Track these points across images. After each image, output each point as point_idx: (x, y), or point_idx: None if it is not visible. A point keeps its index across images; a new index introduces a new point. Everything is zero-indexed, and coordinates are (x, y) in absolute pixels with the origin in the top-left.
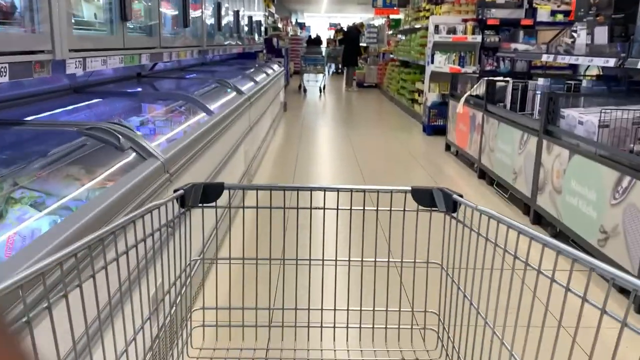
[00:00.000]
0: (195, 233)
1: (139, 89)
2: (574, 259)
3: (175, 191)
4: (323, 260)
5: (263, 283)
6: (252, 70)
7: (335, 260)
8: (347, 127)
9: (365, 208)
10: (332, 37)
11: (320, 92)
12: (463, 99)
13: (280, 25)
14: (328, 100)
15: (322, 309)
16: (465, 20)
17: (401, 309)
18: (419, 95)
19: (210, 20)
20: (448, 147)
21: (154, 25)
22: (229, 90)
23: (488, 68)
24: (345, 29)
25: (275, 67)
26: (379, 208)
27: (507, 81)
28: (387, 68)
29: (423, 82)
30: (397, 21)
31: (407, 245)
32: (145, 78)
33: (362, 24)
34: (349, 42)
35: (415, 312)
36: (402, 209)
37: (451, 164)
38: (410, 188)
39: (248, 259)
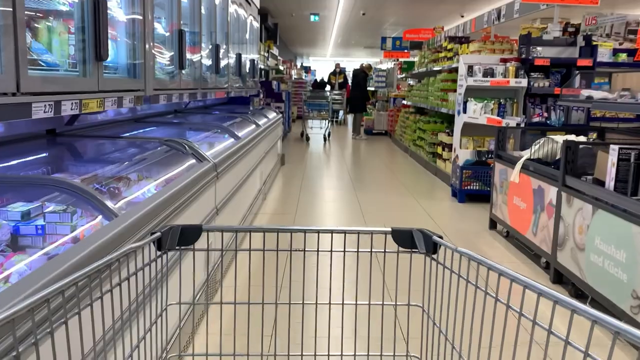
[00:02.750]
0: (185, 276)
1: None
2: (555, 300)
3: (152, 234)
4: (303, 303)
5: (243, 326)
6: (236, 120)
7: (316, 303)
8: (356, 188)
9: (347, 250)
10: (329, 80)
11: (325, 140)
12: (519, 166)
13: (282, 67)
14: (333, 151)
15: (302, 355)
16: (504, 61)
17: (383, 354)
18: (443, 150)
19: (165, 56)
20: (493, 224)
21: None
22: (182, 156)
23: (536, 119)
24: (340, 70)
25: (272, 114)
26: (359, 250)
27: (601, 143)
28: (399, 115)
29: (447, 134)
30: (410, 64)
31: (389, 287)
32: (61, 137)
33: (369, 66)
34: (356, 85)
35: (396, 356)
36: (383, 250)
37: (502, 251)
38: (390, 229)
39: (226, 303)
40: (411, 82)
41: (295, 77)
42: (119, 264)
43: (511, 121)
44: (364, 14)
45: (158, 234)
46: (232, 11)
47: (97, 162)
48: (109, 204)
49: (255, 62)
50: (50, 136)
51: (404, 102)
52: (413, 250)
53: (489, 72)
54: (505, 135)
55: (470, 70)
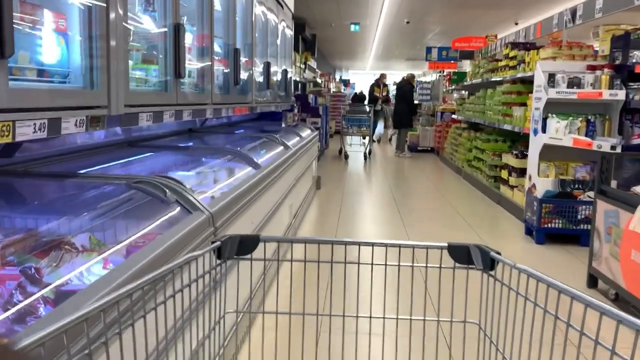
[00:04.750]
0: (233, 286)
1: None
2: (619, 320)
3: (212, 243)
4: (357, 316)
5: (297, 337)
6: (260, 142)
7: (370, 317)
8: (405, 221)
9: (401, 264)
10: (373, 92)
11: (366, 158)
12: None
13: (320, 80)
14: (375, 171)
15: None
16: (592, 68)
17: None
18: (509, 174)
19: (153, 60)
20: (593, 280)
21: None
22: (159, 207)
23: (636, 141)
24: (384, 83)
25: (307, 131)
26: (414, 264)
27: None
28: (448, 130)
29: (516, 156)
30: (461, 75)
31: (444, 303)
32: None
33: (412, 76)
34: (401, 98)
35: None
36: (439, 265)
37: (609, 326)
38: (446, 244)
39: (282, 313)
40: (455, 94)
41: (334, 90)
42: (182, 270)
43: (604, 143)
44: (408, 23)
45: (218, 243)
46: (259, 13)
47: (26, 219)
48: None
49: (289, 73)
50: None
51: (454, 116)
52: (470, 266)
53: (575, 83)
54: (611, 163)
55: (551, 79)
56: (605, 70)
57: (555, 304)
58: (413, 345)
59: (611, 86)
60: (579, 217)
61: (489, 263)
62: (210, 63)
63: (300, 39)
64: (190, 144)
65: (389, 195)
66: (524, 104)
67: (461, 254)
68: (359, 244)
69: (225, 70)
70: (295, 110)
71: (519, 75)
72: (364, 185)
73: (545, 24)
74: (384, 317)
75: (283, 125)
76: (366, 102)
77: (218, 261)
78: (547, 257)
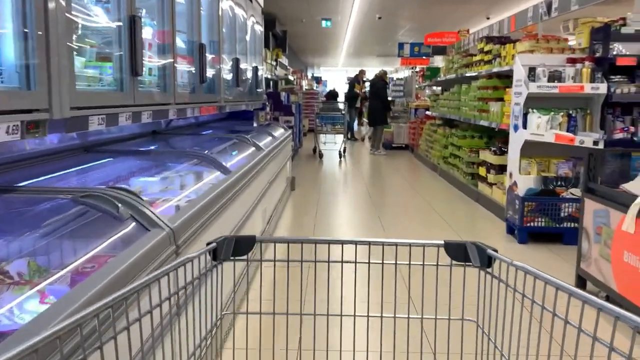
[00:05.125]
0: (224, 286)
1: None
2: (617, 316)
3: (208, 244)
4: (355, 315)
5: (281, 337)
6: (230, 143)
7: (368, 316)
8: (383, 222)
9: (398, 262)
10: (353, 89)
11: (340, 157)
12: (635, 210)
13: (292, 78)
14: (351, 170)
15: None
16: (572, 61)
17: None
18: (488, 172)
19: (106, 57)
20: (581, 282)
21: None
22: (111, 224)
23: (618, 135)
24: (360, 79)
25: (279, 130)
26: (411, 262)
27: None
28: (422, 127)
29: (494, 152)
30: (434, 70)
31: (441, 301)
32: None
33: (385, 73)
34: (375, 95)
35: None
36: (435, 263)
37: (604, 326)
38: (443, 242)
39: (279, 314)
40: (427, 91)
41: (307, 87)
42: (177, 272)
43: (586, 138)
44: (379, 18)
45: (214, 244)
46: (226, 7)
47: None
48: None
49: (259, 70)
50: None
51: (428, 112)
52: (467, 264)
53: (555, 76)
54: (599, 160)
55: (531, 73)
56: (586, 63)
57: (553, 300)
58: (411, 343)
59: (592, 79)
60: (562, 215)
61: (486, 260)
62: (172, 60)
63: (271, 35)
64: (153, 147)
65: (367, 195)
66: (501, 99)
67: (458, 252)
68: (355, 242)
69: (190, 68)
70: (267, 109)
71: (495, 69)
72: (339, 185)
73: (519, 17)
74: (381, 316)
75: (254, 124)
76: (339, 98)
77: (214, 262)
78: (531, 257)
